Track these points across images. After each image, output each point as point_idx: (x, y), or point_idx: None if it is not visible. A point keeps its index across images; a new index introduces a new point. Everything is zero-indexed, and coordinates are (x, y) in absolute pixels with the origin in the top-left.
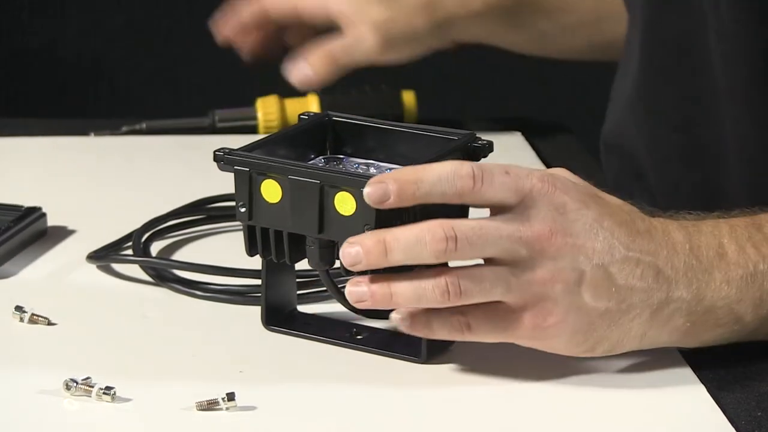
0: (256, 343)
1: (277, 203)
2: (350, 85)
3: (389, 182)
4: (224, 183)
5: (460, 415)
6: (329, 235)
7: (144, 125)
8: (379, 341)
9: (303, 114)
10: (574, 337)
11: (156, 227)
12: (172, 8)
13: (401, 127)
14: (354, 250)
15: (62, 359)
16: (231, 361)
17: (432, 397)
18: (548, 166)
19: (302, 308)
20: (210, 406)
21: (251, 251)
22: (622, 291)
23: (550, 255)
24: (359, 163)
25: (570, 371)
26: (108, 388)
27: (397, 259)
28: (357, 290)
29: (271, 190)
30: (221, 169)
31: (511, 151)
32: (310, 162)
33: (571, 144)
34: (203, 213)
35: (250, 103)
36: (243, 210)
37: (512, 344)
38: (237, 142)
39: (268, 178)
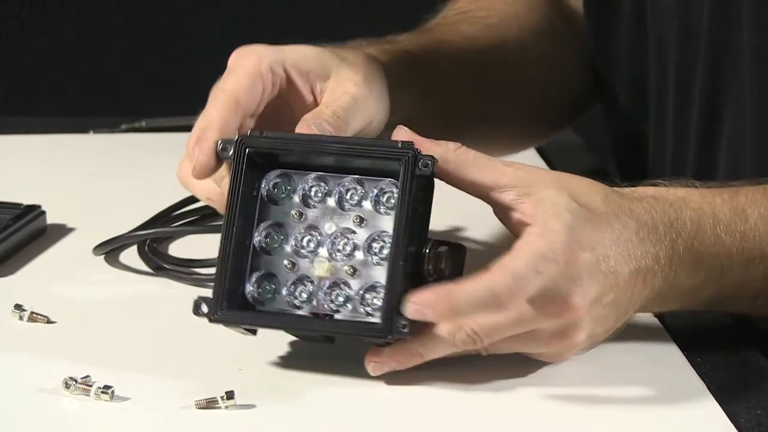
0: (255, 341)
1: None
2: None
3: (429, 311)
4: None
5: (462, 413)
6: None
7: (143, 123)
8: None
9: (222, 145)
10: (579, 354)
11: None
12: (171, 6)
13: (331, 143)
14: (386, 367)
15: (61, 358)
16: (230, 360)
17: (433, 394)
18: (548, 161)
19: None
20: (209, 404)
21: None
22: (622, 307)
23: (571, 323)
24: (309, 180)
25: (569, 368)
26: (107, 386)
27: (430, 359)
28: (380, 365)
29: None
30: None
31: None
32: (260, 186)
33: (572, 143)
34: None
35: None
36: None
37: None
38: None
39: None
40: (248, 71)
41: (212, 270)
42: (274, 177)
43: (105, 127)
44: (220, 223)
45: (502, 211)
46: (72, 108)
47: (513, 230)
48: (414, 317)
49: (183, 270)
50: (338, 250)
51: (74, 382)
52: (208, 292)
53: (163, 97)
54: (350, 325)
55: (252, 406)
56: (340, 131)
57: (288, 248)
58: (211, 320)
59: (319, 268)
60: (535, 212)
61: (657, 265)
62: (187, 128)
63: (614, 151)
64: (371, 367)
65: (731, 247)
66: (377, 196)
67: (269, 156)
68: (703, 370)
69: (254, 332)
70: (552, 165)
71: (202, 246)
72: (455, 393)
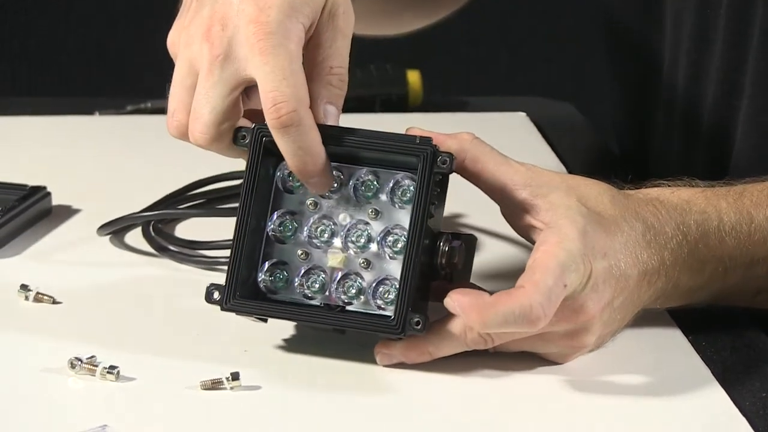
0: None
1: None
2: (354, 65)
3: (460, 313)
4: (231, 162)
5: (469, 400)
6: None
7: (149, 104)
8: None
9: (239, 133)
10: (584, 355)
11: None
12: None
13: (349, 136)
14: (394, 360)
15: (67, 338)
16: (235, 341)
17: (439, 381)
18: (552, 146)
19: None
20: (214, 385)
21: None
22: (629, 308)
23: (582, 327)
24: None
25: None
26: (112, 367)
27: (439, 357)
28: (389, 357)
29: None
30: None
31: (515, 131)
32: (275, 174)
33: (575, 122)
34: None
35: None
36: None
37: None
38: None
39: None
40: None
41: (217, 252)
42: None
43: (110, 108)
44: (227, 206)
45: (512, 210)
46: (77, 89)
47: (522, 232)
48: (448, 308)
49: (187, 252)
50: (352, 242)
51: (80, 362)
52: (213, 275)
53: (169, 79)
54: (363, 319)
55: (257, 388)
56: (345, 90)
57: (302, 237)
58: (223, 308)
59: (333, 258)
60: (549, 218)
61: (662, 267)
62: None
63: (618, 128)
64: (380, 358)
65: (735, 250)
66: (393, 189)
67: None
68: (708, 354)
69: (265, 320)
70: (555, 144)
71: (208, 229)
72: (462, 380)
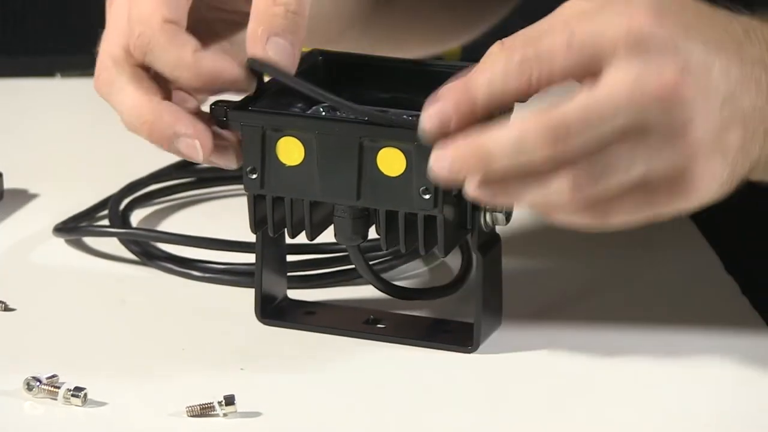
0: (261, 334)
1: (297, 166)
2: None
3: (449, 109)
4: None
5: (504, 423)
6: (369, 202)
7: None
8: (406, 330)
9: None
10: (720, 188)
11: (137, 192)
12: None
13: (409, 63)
14: (443, 113)
15: (23, 353)
16: (230, 357)
17: (465, 399)
18: None
19: (297, 294)
20: (204, 411)
21: (258, 226)
22: (748, 115)
23: (684, 106)
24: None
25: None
26: (78, 388)
27: (499, 167)
28: (443, 153)
29: (290, 150)
30: (221, 127)
31: None
32: (308, 112)
33: None
34: (193, 174)
35: None
36: (254, 176)
37: (558, 332)
38: None
39: (287, 136)
40: None
41: (208, 274)
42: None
43: (75, 69)
44: (216, 239)
45: None
46: (34, 46)
47: None
48: (432, 114)
49: (173, 268)
50: None
51: (38, 383)
52: (203, 284)
53: None
54: (391, 125)
55: (256, 414)
56: (301, 32)
57: None
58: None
59: None
60: None
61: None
62: None
63: None
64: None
65: None
66: None
67: (336, 72)
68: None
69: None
70: None
71: (201, 225)
72: (494, 396)
